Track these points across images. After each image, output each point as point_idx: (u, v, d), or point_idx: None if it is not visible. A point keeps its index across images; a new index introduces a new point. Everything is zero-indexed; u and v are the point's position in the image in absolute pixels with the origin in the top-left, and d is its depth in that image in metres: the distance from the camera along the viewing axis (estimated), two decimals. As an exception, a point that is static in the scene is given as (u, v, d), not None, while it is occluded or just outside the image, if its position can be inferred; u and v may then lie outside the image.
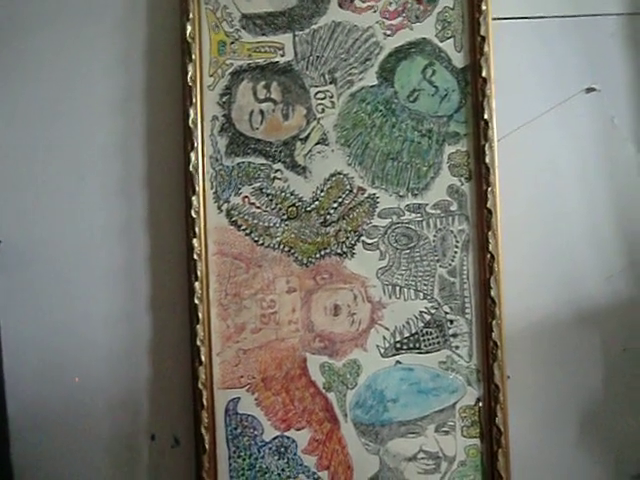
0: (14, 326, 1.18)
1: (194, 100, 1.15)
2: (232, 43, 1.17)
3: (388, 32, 1.18)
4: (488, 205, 1.15)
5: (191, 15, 1.16)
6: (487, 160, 1.15)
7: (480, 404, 1.16)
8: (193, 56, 1.16)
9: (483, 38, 1.15)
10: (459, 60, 1.17)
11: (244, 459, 1.16)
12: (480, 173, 1.16)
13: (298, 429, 1.17)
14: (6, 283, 1.18)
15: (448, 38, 1.17)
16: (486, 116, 1.15)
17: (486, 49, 1.15)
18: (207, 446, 1.14)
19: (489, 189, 1.15)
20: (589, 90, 1.21)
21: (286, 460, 1.16)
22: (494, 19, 1.16)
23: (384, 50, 1.17)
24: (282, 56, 1.17)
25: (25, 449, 1.18)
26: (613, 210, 1.22)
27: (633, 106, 1.22)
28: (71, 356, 1.19)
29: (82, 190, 1.20)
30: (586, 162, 1.22)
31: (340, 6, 1.17)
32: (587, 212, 1.22)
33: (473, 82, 1.17)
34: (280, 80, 1.18)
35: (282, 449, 1.16)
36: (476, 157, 1.17)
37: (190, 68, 1.16)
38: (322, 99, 1.18)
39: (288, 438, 1.16)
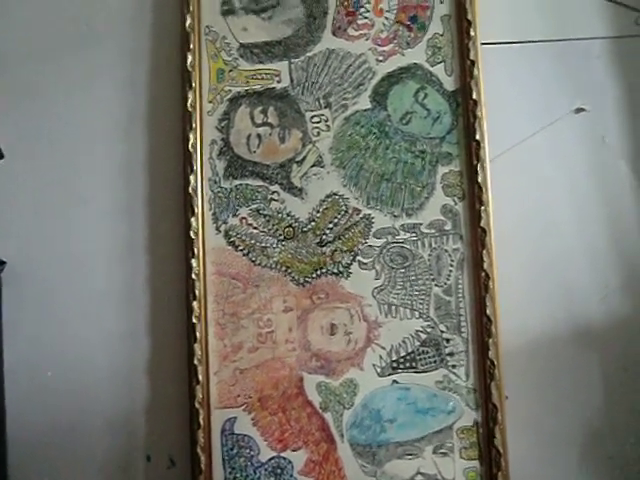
0: (13, 346, 1.19)
1: (194, 125, 1.19)
2: (230, 71, 1.22)
3: (380, 58, 1.22)
4: (482, 224, 1.17)
5: (191, 45, 1.21)
6: (480, 180, 1.17)
7: (478, 421, 1.15)
8: (193, 84, 1.20)
9: (472, 62, 1.19)
10: (450, 83, 1.21)
11: (240, 480, 1.15)
12: (473, 193, 1.18)
13: (294, 450, 1.15)
14: (7, 303, 1.19)
15: (439, 63, 1.21)
16: (478, 137, 1.18)
17: (476, 72, 1.19)
18: (203, 467, 1.13)
19: (482, 208, 1.17)
20: (578, 110, 1.24)
21: (282, 482, 1.15)
22: (483, 44, 1.20)
23: (377, 75, 1.21)
24: (278, 82, 1.22)
25: (21, 468, 1.17)
26: (605, 228, 1.22)
27: (622, 125, 1.24)
28: (69, 375, 1.19)
29: (84, 211, 1.23)
30: (577, 180, 1.23)
31: (334, 34, 1.22)
32: (579, 230, 1.23)
33: (464, 104, 1.20)
34: (277, 105, 1.22)
35: (278, 470, 1.15)
36: (469, 177, 1.19)
37: (190, 95, 1.20)
38: (317, 123, 1.21)
39: (284, 459, 1.15)
